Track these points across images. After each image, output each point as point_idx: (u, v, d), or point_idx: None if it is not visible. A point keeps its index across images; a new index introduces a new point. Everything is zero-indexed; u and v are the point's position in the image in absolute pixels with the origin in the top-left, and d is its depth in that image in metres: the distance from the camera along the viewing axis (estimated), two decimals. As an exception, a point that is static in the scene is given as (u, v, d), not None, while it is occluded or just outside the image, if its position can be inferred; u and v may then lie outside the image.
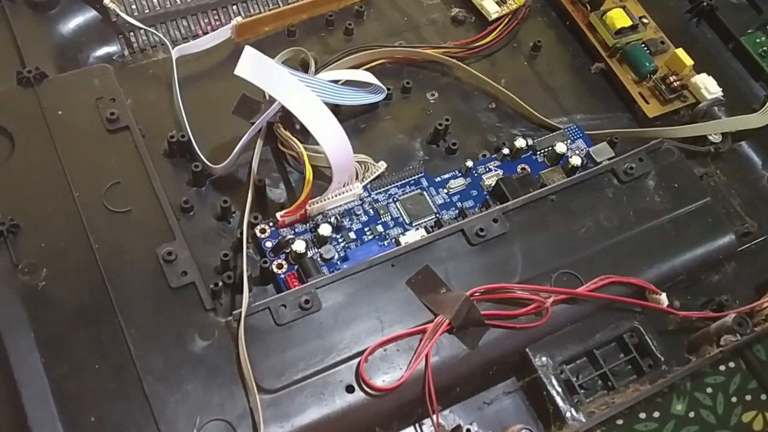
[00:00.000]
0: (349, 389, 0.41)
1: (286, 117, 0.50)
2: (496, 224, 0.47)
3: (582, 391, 0.44)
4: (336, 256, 0.47)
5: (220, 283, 0.44)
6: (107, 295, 0.42)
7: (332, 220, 0.48)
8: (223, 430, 0.39)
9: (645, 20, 0.60)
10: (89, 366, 0.40)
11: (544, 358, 0.44)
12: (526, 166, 0.53)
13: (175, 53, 0.53)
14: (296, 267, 0.46)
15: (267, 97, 0.50)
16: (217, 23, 0.57)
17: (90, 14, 0.55)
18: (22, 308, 0.41)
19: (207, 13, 0.58)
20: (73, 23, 0.54)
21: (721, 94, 0.56)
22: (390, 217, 0.50)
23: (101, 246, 0.43)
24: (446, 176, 0.52)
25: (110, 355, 0.40)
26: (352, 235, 0.48)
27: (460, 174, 0.52)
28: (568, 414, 0.42)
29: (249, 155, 0.50)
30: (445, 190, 0.51)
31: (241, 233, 0.47)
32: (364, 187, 0.50)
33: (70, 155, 0.46)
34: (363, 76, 0.54)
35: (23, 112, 0.47)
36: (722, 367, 0.50)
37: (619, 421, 0.47)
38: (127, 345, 0.40)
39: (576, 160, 0.52)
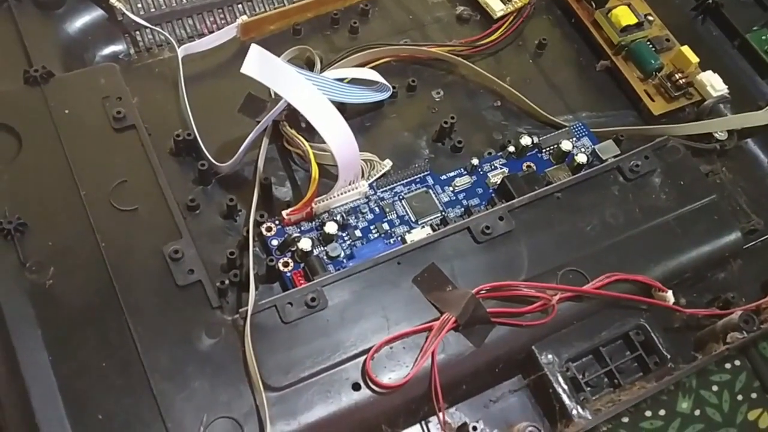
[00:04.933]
0: (356, 387, 0.41)
1: (292, 115, 0.50)
2: (502, 222, 0.47)
3: (588, 388, 0.44)
4: (342, 254, 0.47)
5: (227, 281, 0.44)
6: (114, 293, 0.42)
7: (338, 218, 0.49)
8: (230, 427, 0.39)
9: (650, 18, 0.60)
10: (96, 364, 0.40)
11: (550, 356, 0.44)
12: (532, 164, 0.53)
13: (180, 52, 0.53)
14: (302, 265, 0.46)
15: (273, 96, 0.50)
16: (223, 22, 0.58)
17: (96, 13, 0.55)
18: (29, 306, 0.41)
19: (213, 12, 0.58)
20: (79, 22, 0.54)
21: (726, 91, 0.56)
22: (396, 215, 0.50)
23: (108, 244, 0.43)
24: (452, 174, 0.52)
25: (117, 352, 0.40)
26: (358, 233, 0.49)
27: (465, 172, 0.52)
28: (574, 411, 0.42)
29: (255, 153, 0.50)
30: (451, 188, 0.51)
31: (248, 231, 0.47)
32: (370, 185, 0.50)
33: (77, 154, 0.46)
34: (368, 74, 0.54)
35: (30, 111, 0.47)
36: (728, 365, 0.50)
37: (625, 419, 0.48)
38: (134, 343, 0.40)
39: (581, 158, 0.52)
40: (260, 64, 0.45)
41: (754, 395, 0.49)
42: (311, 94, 0.46)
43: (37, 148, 0.46)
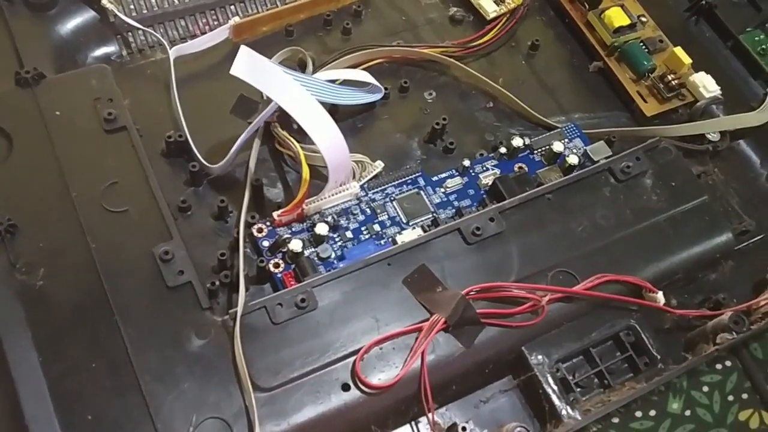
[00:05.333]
0: (345, 387, 0.41)
1: (284, 117, 0.50)
2: (493, 223, 0.47)
3: (578, 389, 0.44)
4: (333, 255, 0.47)
5: (217, 283, 0.44)
6: (104, 294, 0.42)
7: (329, 219, 0.49)
8: (219, 428, 0.39)
9: (643, 19, 0.60)
10: (86, 365, 0.40)
11: (540, 357, 0.44)
12: (524, 165, 0.53)
13: (172, 53, 0.53)
14: (293, 266, 0.46)
15: (264, 97, 0.50)
16: (215, 23, 0.58)
17: (88, 15, 0.55)
18: (19, 308, 0.41)
19: (205, 14, 0.58)
20: (71, 24, 0.54)
21: (719, 92, 0.56)
22: (387, 216, 0.50)
23: (98, 245, 0.43)
24: (443, 175, 0.52)
25: (107, 353, 0.40)
26: (349, 234, 0.49)
27: (457, 173, 0.52)
28: (563, 412, 0.42)
29: (246, 155, 0.50)
30: (442, 189, 0.51)
31: (238, 232, 0.47)
32: (361, 187, 0.50)
33: (68, 155, 0.46)
34: (361, 75, 0.54)
35: (21, 113, 0.47)
36: (719, 366, 0.50)
37: (615, 419, 0.48)
38: (124, 344, 0.40)
39: (573, 159, 0.52)
40: (249, 66, 0.45)
41: (744, 396, 0.49)
42: (300, 95, 0.46)
43: (28, 150, 0.46)
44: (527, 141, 0.53)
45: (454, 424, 0.43)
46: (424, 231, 0.49)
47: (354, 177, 0.50)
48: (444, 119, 0.54)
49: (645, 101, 0.57)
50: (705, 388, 0.50)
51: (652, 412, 0.48)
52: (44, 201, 0.45)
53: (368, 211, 0.50)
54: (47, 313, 0.41)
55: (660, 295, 0.45)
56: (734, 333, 0.45)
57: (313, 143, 0.47)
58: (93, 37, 0.55)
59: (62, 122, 0.47)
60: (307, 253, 0.47)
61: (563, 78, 0.59)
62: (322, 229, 0.47)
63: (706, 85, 0.56)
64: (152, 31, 0.55)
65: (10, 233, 0.43)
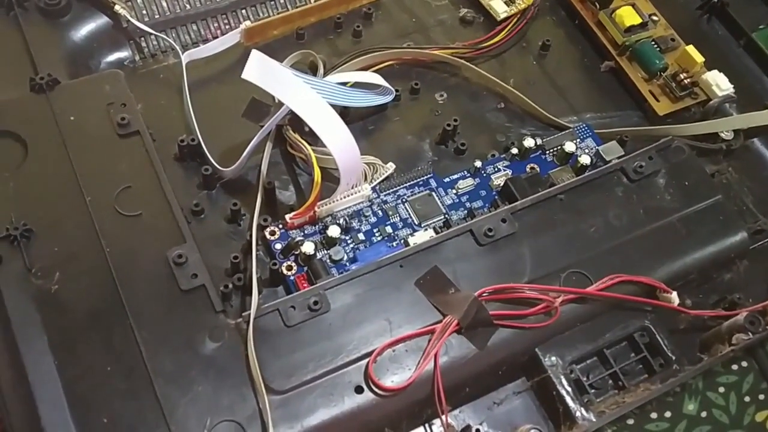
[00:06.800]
0: (358, 390, 0.41)
1: (295, 120, 0.50)
2: (505, 224, 0.47)
3: (592, 390, 0.44)
4: (345, 258, 0.47)
5: (230, 285, 0.45)
6: (119, 297, 0.42)
7: (341, 221, 0.49)
8: (233, 431, 0.39)
9: (655, 17, 0.59)
10: (101, 368, 0.40)
11: (553, 358, 0.44)
12: (535, 166, 0.53)
13: (185, 58, 0.53)
14: (305, 268, 0.46)
15: (276, 101, 0.50)
16: (227, 27, 0.58)
17: (101, 20, 0.55)
18: (35, 312, 0.41)
19: (216, 18, 0.58)
20: (84, 30, 0.55)
21: (732, 90, 0.55)
22: (399, 218, 0.50)
23: (113, 249, 0.44)
24: (455, 177, 0.52)
25: (122, 357, 0.41)
26: (361, 236, 0.49)
27: (468, 174, 0.52)
28: (578, 414, 0.42)
29: (258, 158, 0.50)
30: (454, 191, 0.51)
31: (251, 235, 0.47)
32: (373, 189, 0.50)
33: (82, 160, 0.47)
34: (371, 77, 0.54)
35: (36, 119, 0.48)
36: (735, 367, 0.50)
37: (630, 421, 0.47)
38: (139, 347, 0.41)
39: (585, 159, 0.51)
40: (260, 70, 0.46)
41: (761, 396, 0.49)
42: (311, 98, 0.46)
43: (43, 155, 0.47)
44: (539, 141, 0.53)
45: (468, 426, 0.43)
46: (436, 232, 0.48)
47: (365, 179, 0.50)
48: (455, 120, 0.54)
49: (657, 100, 0.56)
50: (721, 389, 0.49)
51: (668, 414, 0.48)
52: (59, 206, 0.45)
53: (380, 213, 0.50)
54: (62, 317, 0.41)
55: (674, 296, 0.45)
56: (750, 333, 0.44)
57: (324, 146, 0.47)
58: (106, 43, 0.55)
59: (76, 127, 0.48)
60: (319, 255, 0.47)
61: (574, 78, 0.59)
62: (334, 231, 0.47)
63: (719, 83, 0.55)
64: (164, 36, 0.56)
65: (25, 238, 0.43)
